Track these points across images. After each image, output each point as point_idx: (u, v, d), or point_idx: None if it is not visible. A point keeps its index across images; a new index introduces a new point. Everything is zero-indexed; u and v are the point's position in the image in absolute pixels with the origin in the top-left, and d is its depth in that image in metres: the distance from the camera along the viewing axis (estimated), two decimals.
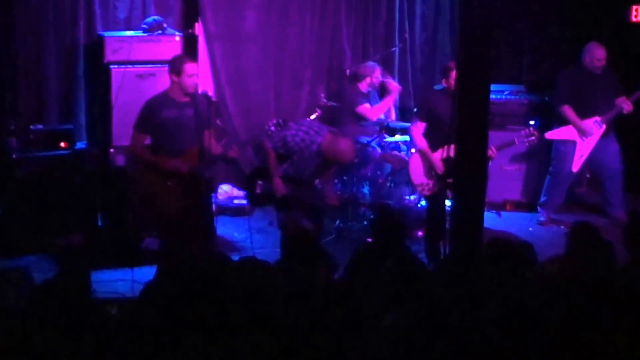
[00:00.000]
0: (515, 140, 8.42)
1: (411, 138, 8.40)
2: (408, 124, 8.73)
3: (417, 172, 8.16)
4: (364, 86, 9.52)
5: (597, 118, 9.19)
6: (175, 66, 7.58)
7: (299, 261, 5.72)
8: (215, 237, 8.25)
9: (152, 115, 7.54)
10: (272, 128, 8.05)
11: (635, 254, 5.80)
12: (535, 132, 8.48)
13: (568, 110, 9.23)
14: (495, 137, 7.74)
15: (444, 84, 7.98)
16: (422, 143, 8.09)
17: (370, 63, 9.71)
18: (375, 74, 9.50)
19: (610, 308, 4.72)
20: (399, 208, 8.86)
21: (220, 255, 5.76)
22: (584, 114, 9.21)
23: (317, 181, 8.36)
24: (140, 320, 4.62)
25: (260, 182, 8.02)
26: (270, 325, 4.57)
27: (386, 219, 6.51)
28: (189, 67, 7.57)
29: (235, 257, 5.41)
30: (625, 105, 9.10)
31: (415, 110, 8.66)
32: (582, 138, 9.24)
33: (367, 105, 9.37)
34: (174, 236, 7.62)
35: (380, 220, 6.59)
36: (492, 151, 7.90)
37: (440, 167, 7.90)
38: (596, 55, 9.13)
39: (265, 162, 8.09)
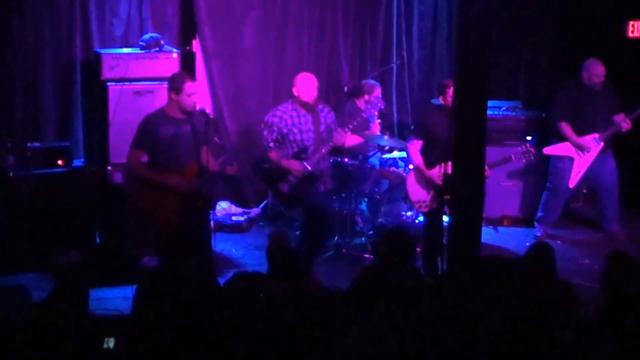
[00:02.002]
0: (512, 157, 8.47)
1: (408, 155, 8.44)
2: (404, 141, 8.76)
3: (414, 189, 8.20)
4: (361, 103, 9.52)
5: (595, 135, 9.21)
6: (175, 84, 7.59)
7: (284, 275, 5.74)
8: (212, 254, 8.26)
9: (149, 132, 7.55)
10: (272, 145, 8.10)
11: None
12: (532, 149, 8.51)
13: (566, 127, 9.25)
14: (492, 153, 7.77)
15: (441, 101, 8.01)
16: (418, 160, 8.13)
17: (372, 82, 9.71)
18: (374, 93, 9.44)
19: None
20: (395, 225, 8.88)
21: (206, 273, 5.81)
22: (582, 130, 9.23)
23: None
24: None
25: (282, 184, 8.10)
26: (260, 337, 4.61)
27: (400, 239, 6.24)
28: (188, 86, 7.59)
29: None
30: (624, 124, 9.13)
31: (412, 127, 8.67)
32: (580, 155, 9.27)
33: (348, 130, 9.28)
34: (171, 253, 7.61)
35: (394, 240, 6.26)
36: (486, 170, 7.94)
37: (437, 184, 7.92)
38: (595, 71, 9.15)
39: (270, 163, 8.28)
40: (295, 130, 8.34)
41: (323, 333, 4.73)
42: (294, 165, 8.25)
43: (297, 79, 8.46)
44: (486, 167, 7.83)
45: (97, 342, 4.67)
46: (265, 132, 8.35)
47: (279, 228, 8.78)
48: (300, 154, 8.31)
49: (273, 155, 8.29)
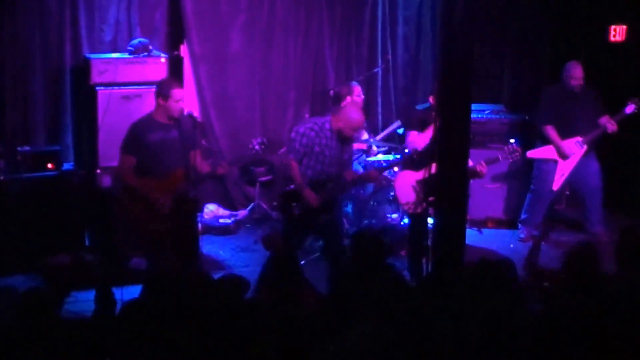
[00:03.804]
0: (500, 157, 8.48)
1: (409, 143, 8.28)
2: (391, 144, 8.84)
3: (403, 190, 8.20)
4: None
5: (579, 138, 9.31)
6: (162, 90, 7.66)
7: (282, 281, 5.78)
8: (199, 257, 8.33)
9: (137, 138, 7.61)
10: (257, 147, 8.08)
11: (626, 270, 5.89)
12: (519, 149, 8.54)
13: (550, 131, 9.34)
14: (476, 155, 7.87)
15: (431, 101, 8.03)
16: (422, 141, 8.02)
17: (351, 83, 9.79)
18: (355, 93, 9.57)
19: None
20: (380, 227, 8.96)
21: (201, 274, 5.87)
22: (566, 133, 9.32)
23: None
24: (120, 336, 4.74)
25: (294, 204, 7.76)
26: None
27: (366, 244, 6.26)
28: (176, 92, 7.66)
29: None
30: (610, 125, 9.21)
31: (402, 130, 8.71)
32: (563, 158, 9.38)
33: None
34: (159, 256, 7.67)
35: (360, 246, 6.31)
36: (482, 166, 8.02)
37: (421, 186, 7.98)
38: (572, 74, 9.26)
39: (291, 179, 7.79)
40: (327, 153, 7.77)
41: (307, 343, 4.79)
42: (311, 197, 7.68)
43: (349, 110, 7.88)
44: (483, 163, 7.97)
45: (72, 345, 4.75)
46: (296, 144, 7.74)
47: (272, 229, 8.83)
48: (319, 183, 7.80)
49: (295, 168, 7.70)
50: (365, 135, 9.76)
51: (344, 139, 7.78)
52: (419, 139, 8.02)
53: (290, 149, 7.85)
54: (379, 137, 9.78)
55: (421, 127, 8.02)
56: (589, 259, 5.69)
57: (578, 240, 6.27)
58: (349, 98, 9.54)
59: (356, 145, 9.40)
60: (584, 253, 5.73)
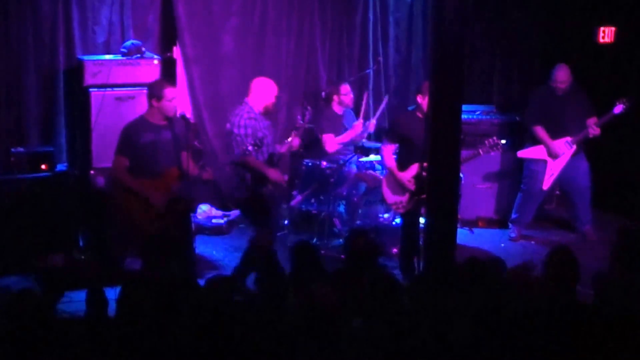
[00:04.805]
0: (480, 152, 8.56)
1: (381, 158, 8.54)
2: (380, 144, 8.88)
3: (389, 191, 8.28)
4: (336, 106, 9.70)
5: (568, 138, 9.38)
6: (155, 91, 7.72)
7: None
8: (193, 257, 8.38)
9: (130, 139, 7.68)
10: (250, 148, 8.15)
11: (623, 269, 5.96)
12: (499, 142, 8.57)
13: (540, 131, 9.41)
14: (464, 153, 7.90)
15: (419, 100, 8.03)
16: (391, 162, 8.23)
17: (341, 83, 9.89)
18: (342, 92, 9.65)
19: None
20: (372, 227, 9.02)
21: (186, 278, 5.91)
22: (555, 133, 9.39)
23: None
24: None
25: (265, 188, 8.01)
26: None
27: (358, 244, 6.42)
28: (168, 91, 7.73)
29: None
30: (591, 130, 9.27)
31: (386, 131, 8.77)
32: (553, 158, 9.44)
33: (331, 135, 9.53)
34: (153, 256, 7.69)
35: (352, 245, 6.48)
36: None
37: (408, 186, 8.04)
38: (557, 77, 9.34)
39: (252, 170, 7.99)
40: (268, 134, 8.13)
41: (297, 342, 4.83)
42: (274, 174, 8.03)
43: (257, 84, 8.25)
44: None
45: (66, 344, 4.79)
46: (240, 138, 7.95)
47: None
48: (273, 160, 8.12)
49: (252, 160, 7.94)
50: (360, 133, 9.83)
51: (269, 115, 8.20)
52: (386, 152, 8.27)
53: (240, 143, 7.91)
54: (373, 119, 9.76)
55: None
56: (568, 264, 5.72)
57: (555, 245, 6.27)
58: (335, 97, 9.65)
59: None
60: (563, 258, 5.76)
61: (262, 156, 8.01)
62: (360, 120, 9.59)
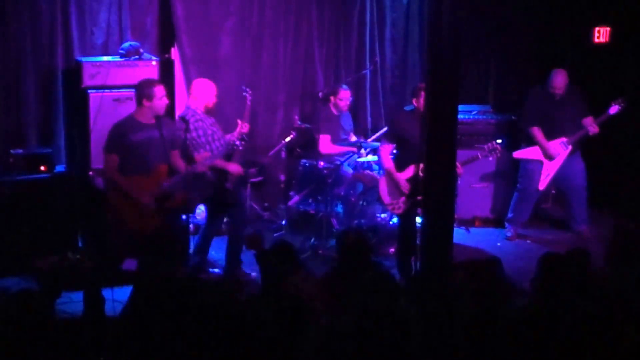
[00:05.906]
0: (479, 155, 8.56)
1: (379, 158, 8.58)
2: (378, 144, 8.92)
3: (386, 192, 8.29)
4: (333, 107, 9.76)
5: (564, 139, 9.42)
6: (145, 91, 7.78)
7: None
8: (187, 255, 8.43)
9: (119, 137, 7.74)
10: (237, 142, 8.22)
11: (617, 266, 5.99)
12: (498, 146, 8.59)
13: (537, 132, 9.46)
14: (463, 156, 7.97)
15: (414, 103, 8.07)
16: (389, 163, 8.25)
17: (340, 85, 9.93)
18: (339, 95, 9.70)
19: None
20: (370, 227, 9.05)
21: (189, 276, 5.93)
22: (551, 134, 9.44)
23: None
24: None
25: (226, 182, 8.23)
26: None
27: (349, 241, 6.48)
28: (158, 90, 7.80)
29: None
30: (592, 127, 9.33)
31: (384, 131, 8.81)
32: (549, 159, 9.48)
33: (327, 136, 9.58)
34: (147, 255, 7.74)
35: (343, 243, 6.53)
36: (457, 167, 8.10)
37: (406, 187, 8.07)
38: (552, 83, 9.40)
39: (212, 168, 8.24)
40: (215, 129, 8.42)
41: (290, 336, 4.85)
42: (234, 167, 8.32)
43: (196, 86, 8.50)
44: (458, 165, 8.05)
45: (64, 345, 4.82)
46: (195, 141, 8.21)
47: (255, 230, 8.91)
48: (231, 156, 8.36)
49: (200, 156, 8.17)
50: (353, 138, 9.88)
51: (210, 113, 8.45)
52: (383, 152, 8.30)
53: (196, 146, 8.18)
54: (369, 141, 9.87)
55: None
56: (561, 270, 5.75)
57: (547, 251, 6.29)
58: (332, 98, 9.70)
59: (346, 147, 9.55)
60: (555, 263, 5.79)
61: (217, 151, 8.26)
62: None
